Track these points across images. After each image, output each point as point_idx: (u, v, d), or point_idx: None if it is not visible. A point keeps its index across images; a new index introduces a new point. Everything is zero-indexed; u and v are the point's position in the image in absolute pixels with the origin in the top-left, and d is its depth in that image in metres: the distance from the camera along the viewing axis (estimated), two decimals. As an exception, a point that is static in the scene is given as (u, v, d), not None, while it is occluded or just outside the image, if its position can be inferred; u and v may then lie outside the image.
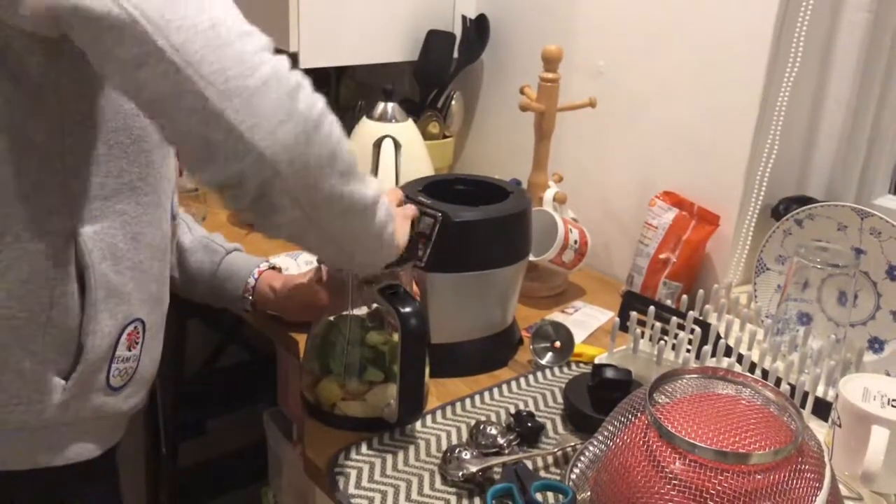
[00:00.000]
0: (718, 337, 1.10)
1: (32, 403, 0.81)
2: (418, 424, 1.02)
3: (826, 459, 0.77)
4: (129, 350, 0.88)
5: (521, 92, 1.36)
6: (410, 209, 0.99)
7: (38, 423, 0.82)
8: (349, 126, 1.58)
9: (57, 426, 0.84)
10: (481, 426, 0.98)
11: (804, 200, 1.26)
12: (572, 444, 0.97)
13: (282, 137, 0.69)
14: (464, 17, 1.66)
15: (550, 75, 1.34)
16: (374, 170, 1.42)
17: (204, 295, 1.19)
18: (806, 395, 1.01)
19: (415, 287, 1.05)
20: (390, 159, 1.44)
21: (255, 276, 1.17)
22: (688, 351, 1.09)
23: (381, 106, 1.52)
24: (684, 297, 1.20)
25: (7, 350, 0.79)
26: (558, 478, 0.92)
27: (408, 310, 0.92)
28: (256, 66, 0.68)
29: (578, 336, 1.23)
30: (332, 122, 0.74)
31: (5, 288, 0.77)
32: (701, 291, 1.21)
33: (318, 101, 0.73)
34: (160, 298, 0.94)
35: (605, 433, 0.86)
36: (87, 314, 0.82)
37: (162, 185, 0.90)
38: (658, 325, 1.12)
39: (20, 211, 0.77)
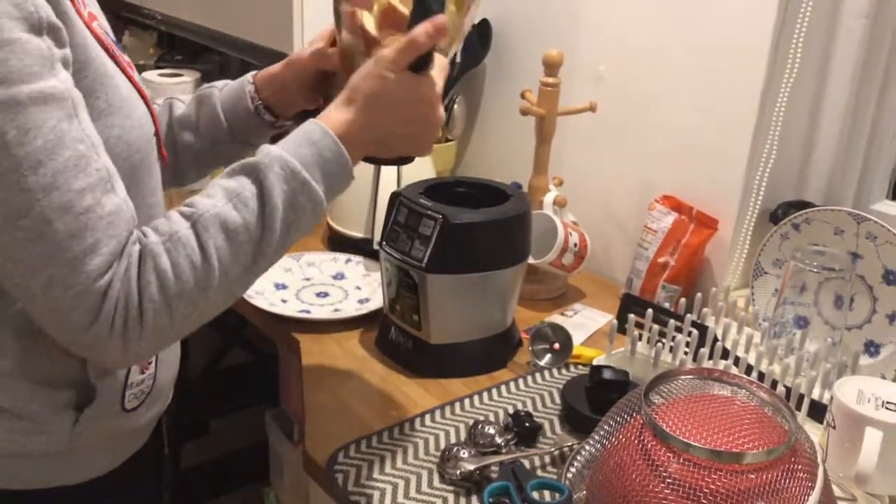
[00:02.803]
0: (715, 339, 1.11)
1: (46, 434, 0.78)
2: (417, 423, 1.03)
3: (819, 460, 0.78)
4: (142, 373, 0.84)
5: (522, 96, 1.37)
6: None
7: (53, 450, 0.80)
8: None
9: (73, 450, 0.81)
10: (479, 426, 0.99)
11: (802, 205, 1.26)
12: (569, 443, 0.98)
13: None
14: (466, 22, 1.67)
15: (551, 80, 1.35)
16: (377, 173, 1.43)
17: (221, 144, 1.03)
18: (802, 397, 1.01)
19: None
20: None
21: (250, 82, 1.01)
22: (685, 353, 1.11)
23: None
24: (683, 300, 1.21)
25: (17, 397, 0.77)
26: (555, 477, 0.93)
27: None
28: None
29: (577, 338, 1.24)
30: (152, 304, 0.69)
31: (3, 345, 0.75)
32: (699, 295, 1.22)
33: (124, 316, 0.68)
34: None
35: (602, 433, 0.87)
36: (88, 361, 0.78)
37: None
38: (656, 327, 1.13)
39: None
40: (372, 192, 1.43)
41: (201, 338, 1.95)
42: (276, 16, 1.50)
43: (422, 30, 0.76)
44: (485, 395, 1.10)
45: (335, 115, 0.78)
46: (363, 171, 1.36)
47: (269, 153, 0.74)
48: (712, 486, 0.73)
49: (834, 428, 0.92)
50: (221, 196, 0.72)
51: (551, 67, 1.35)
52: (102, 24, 0.80)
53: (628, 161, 1.47)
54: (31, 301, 0.68)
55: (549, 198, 1.40)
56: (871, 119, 1.30)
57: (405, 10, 0.81)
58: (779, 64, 1.24)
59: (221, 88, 1.03)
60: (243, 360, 2.07)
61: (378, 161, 0.86)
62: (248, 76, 1.01)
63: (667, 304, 1.27)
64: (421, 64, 0.78)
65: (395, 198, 1.16)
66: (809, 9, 1.21)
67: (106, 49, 0.76)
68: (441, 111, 0.82)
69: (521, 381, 1.14)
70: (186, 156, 1.04)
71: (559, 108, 1.37)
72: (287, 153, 0.74)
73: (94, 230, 0.66)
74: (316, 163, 0.75)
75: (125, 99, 0.77)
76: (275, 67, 1.00)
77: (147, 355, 0.76)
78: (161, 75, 1.87)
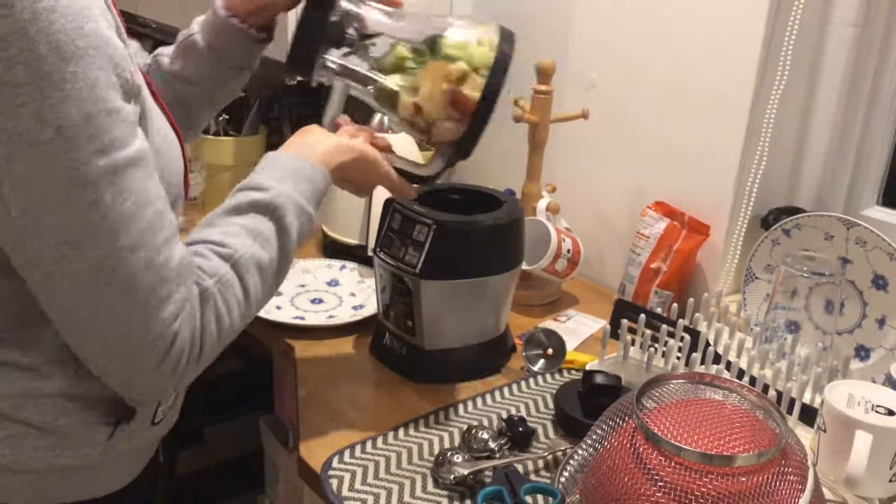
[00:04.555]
0: (707, 344, 1.12)
1: (72, 449, 0.78)
2: (411, 428, 1.03)
3: (810, 463, 0.78)
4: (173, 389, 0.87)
5: (515, 104, 1.38)
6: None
7: (79, 464, 0.80)
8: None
9: (100, 463, 0.81)
10: (473, 430, 0.99)
11: (793, 211, 1.28)
12: (562, 448, 0.98)
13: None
14: (460, 30, 1.68)
15: (544, 87, 1.36)
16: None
17: (219, 77, 1.05)
18: (793, 401, 1.02)
19: None
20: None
21: (224, 7, 1.01)
22: (677, 358, 1.11)
23: (377, 116, 1.54)
24: (675, 305, 1.21)
25: (45, 413, 0.76)
26: (548, 481, 0.94)
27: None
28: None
29: (570, 343, 1.24)
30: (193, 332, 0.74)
31: (30, 370, 0.75)
32: (691, 300, 1.23)
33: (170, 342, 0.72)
34: None
35: (594, 437, 0.88)
36: None
37: None
38: (648, 332, 1.14)
39: (26, 305, 0.73)
40: (366, 199, 1.44)
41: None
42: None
43: (400, 189, 0.98)
44: (478, 400, 1.11)
45: (313, 149, 0.89)
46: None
47: (281, 194, 0.82)
48: (704, 490, 0.74)
49: (824, 431, 0.93)
50: (246, 236, 0.79)
51: (544, 75, 1.36)
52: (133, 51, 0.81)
53: (621, 168, 1.48)
54: (101, 349, 0.71)
55: (542, 204, 1.40)
56: (860, 125, 1.31)
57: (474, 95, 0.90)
58: (769, 71, 1.25)
59: (198, 32, 1.02)
60: (237, 367, 2.06)
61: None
62: (218, 8, 1.00)
63: (659, 310, 1.27)
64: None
65: (389, 204, 1.17)
66: (799, 17, 1.22)
67: (149, 87, 0.78)
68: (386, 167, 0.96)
69: (514, 386, 1.15)
70: (190, 103, 1.05)
71: (552, 115, 1.38)
72: (295, 193, 0.83)
73: (168, 281, 0.70)
74: (313, 195, 0.86)
75: (165, 139, 0.80)
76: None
77: (182, 385, 0.80)
78: (156, 83, 1.88)
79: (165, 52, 1.05)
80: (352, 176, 0.93)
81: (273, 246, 0.81)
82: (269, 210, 0.81)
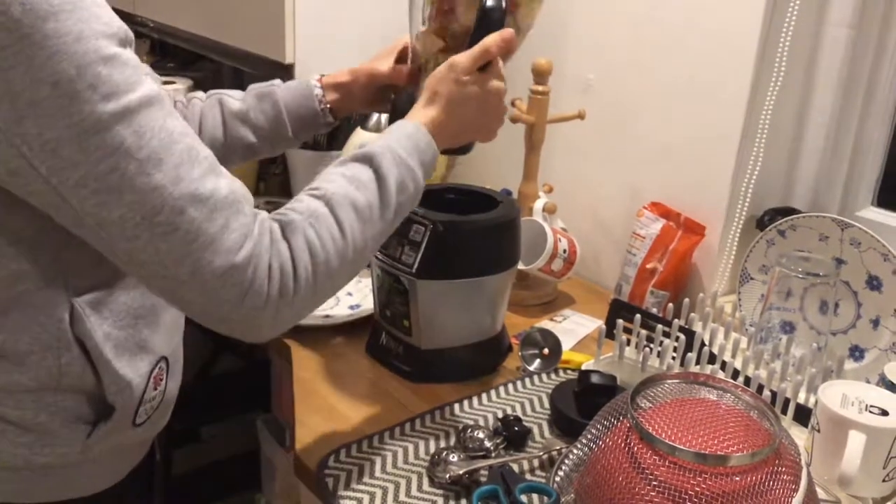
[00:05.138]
0: (703, 344, 1.12)
1: (52, 447, 0.78)
2: (407, 428, 1.04)
3: (803, 463, 0.79)
4: (156, 388, 0.85)
5: (512, 104, 1.39)
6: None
7: (59, 463, 0.79)
8: (344, 136, 1.60)
9: (80, 462, 0.81)
10: (469, 430, 1.00)
11: (788, 212, 1.28)
12: (558, 447, 0.99)
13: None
14: (457, 31, 1.68)
15: (541, 88, 1.36)
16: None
17: (280, 140, 1.11)
18: (787, 401, 1.03)
19: None
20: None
21: (318, 86, 1.09)
22: (672, 358, 1.12)
23: (374, 117, 1.54)
24: (670, 305, 1.22)
25: (25, 409, 0.76)
26: (543, 480, 0.94)
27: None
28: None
29: (566, 343, 1.25)
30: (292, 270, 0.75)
31: (12, 360, 0.75)
32: (687, 300, 1.23)
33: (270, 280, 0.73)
34: (177, 324, 0.90)
35: (589, 436, 0.88)
36: (107, 377, 0.78)
37: None
38: (644, 332, 1.15)
39: (17, 286, 0.73)
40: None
41: (192, 344, 1.95)
42: (269, 24, 1.51)
43: (495, 39, 0.90)
44: (474, 399, 1.11)
45: (422, 113, 0.90)
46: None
47: (378, 144, 0.84)
48: (698, 489, 0.74)
49: (818, 431, 0.93)
50: (341, 179, 0.81)
51: (541, 76, 1.36)
52: None
53: (617, 168, 1.49)
54: (180, 289, 0.70)
55: (538, 204, 1.41)
56: (855, 127, 1.32)
57: None
58: (764, 72, 1.26)
59: (280, 87, 1.09)
60: (234, 366, 2.07)
61: (447, 151, 0.95)
62: (313, 81, 1.09)
63: (655, 310, 1.28)
64: (495, 22, 0.91)
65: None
66: (794, 18, 1.23)
67: None
68: (506, 104, 0.96)
69: (510, 385, 1.15)
70: (236, 146, 1.09)
71: (548, 115, 1.38)
72: (395, 144, 0.84)
73: (221, 210, 0.69)
74: (415, 152, 0.85)
75: None
76: (341, 76, 1.10)
77: (289, 325, 0.78)
78: (153, 83, 1.87)
79: (233, 95, 1.10)
80: (465, 130, 0.93)
81: (370, 190, 0.81)
82: (366, 159, 0.83)
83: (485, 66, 0.91)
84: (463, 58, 0.90)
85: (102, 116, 0.63)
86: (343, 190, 0.79)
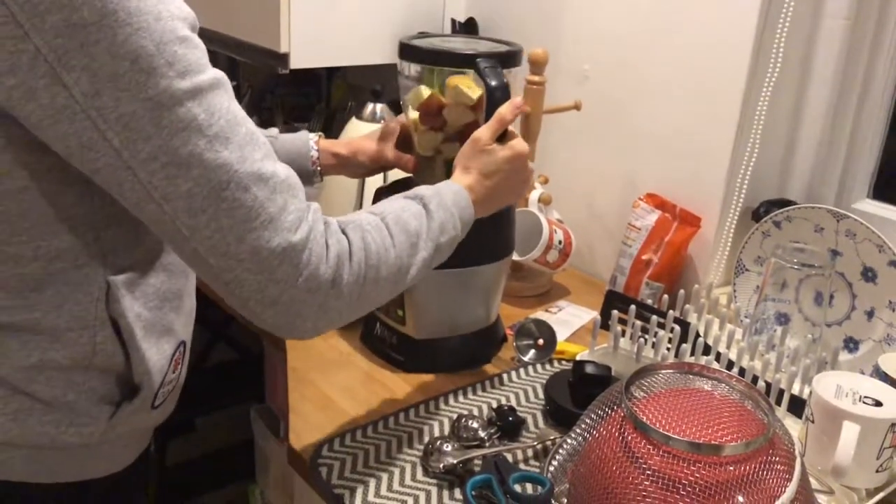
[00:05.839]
0: (697, 335, 1.12)
1: (77, 427, 0.79)
2: (401, 417, 1.03)
3: (797, 453, 0.79)
4: (174, 372, 0.87)
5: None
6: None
7: (83, 442, 0.80)
8: (339, 126, 1.59)
9: (101, 443, 0.82)
10: (463, 420, 0.99)
11: (784, 203, 1.28)
12: (552, 437, 0.99)
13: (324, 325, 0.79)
14: (453, 21, 1.68)
15: (537, 78, 1.36)
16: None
17: None
18: (782, 392, 1.03)
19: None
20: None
21: (315, 148, 1.16)
22: (667, 349, 1.12)
23: (370, 107, 1.54)
24: (665, 296, 1.22)
25: (55, 387, 0.77)
26: (538, 470, 0.94)
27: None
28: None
29: (561, 334, 1.25)
30: (348, 270, 0.78)
31: (48, 337, 0.75)
32: (682, 291, 1.23)
33: (324, 262, 0.76)
34: (193, 308, 0.92)
35: (584, 426, 0.88)
36: (136, 356, 0.79)
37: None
38: (639, 323, 1.14)
39: (56, 263, 0.74)
40: (358, 188, 1.43)
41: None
42: (264, 13, 1.51)
43: (508, 108, 0.99)
44: (469, 390, 1.11)
45: (460, 179, 0.98)
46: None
47: (428, 188, 0.92)
48: (692, 478, 0.74)
49: (812, 422, 0.93)
50: (397, 206, 0.87)
51: (537, 66, 1.35)
52: None
53: (613, 159, 1.49)
54: (237, 268, 0.72)
55: (534, 195, 1.41)
56: (851, 118, 1.31)
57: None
58: (761, 64, 1.26)
59: (278, 139, 1.14)
60: (229, 357, 2.06)
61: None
62: (311, 142, 1.15)
63: (650, 301, 1.28)
64: (498, 100, 1.01)
65: (380, 194, 1.17)
66: (791, 9, 1.22)
67: None
68: (530, 164, 1.03)
69: (504, 376, 1.15)
70: None
71: (544, 106, 1.38)
72: (441, 193, 0.92)
73: (281, 192, 0.72)
74: (456, 207, 0.92)
75: None
76: (338, 146, 1.16)
77: (328, 326, 0.80)
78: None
79: None
80: (498, 194, 1.00)
81: (419, 221, 0.86)
82: (416, 196, 0.90)
83: (504, 135, 1.00)
84: (483, 131, 0.99)
85: (177, 92, 0.66)
86: (397, 213, 0.86)
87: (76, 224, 0.73)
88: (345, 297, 0.77)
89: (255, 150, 0.71)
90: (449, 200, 0.91)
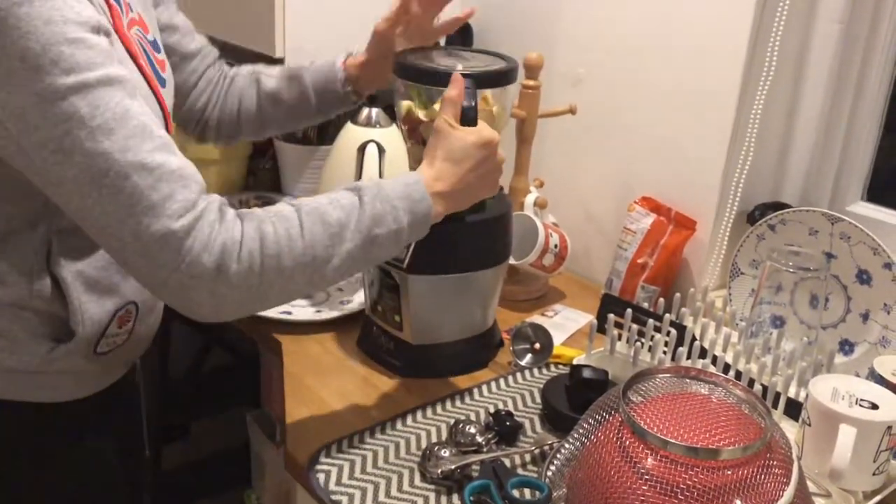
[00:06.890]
0: (693, 339, 1.13)
1: (18, 355, 0.88)
2: (399, 423, 1.03)
3: (794, 456, 0.79)
4: (120, 328, 0.93)
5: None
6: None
7: (23, 369, 0.89)
8: (334, 130, 1.59)
9: (41, 373, 0.90)
10: (460, 425, 0.99)
11: (779, 206, 1.28)
12: (549, 442, 0.99)
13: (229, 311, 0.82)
14: (448, 25, 1.68)
15: (532, 82, 1.36)
16: (358, 174, 1.44)
17: (307, 117, 1.26)
18: (778, 395, 1.03)
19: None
20: (374, 164, 1.46)
21: (341, 70, 1.20)
22: (664, 353, 1.12)
23: (365, 111, 1.53)
24: (661, 300, 1.22)
25: (3, 320, 0.87)
26: (535, 475, 0.94)
27: None
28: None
29: (557, 338, 1.25)
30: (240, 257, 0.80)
31: (2, 275, 0.85)
32: (677, 295, 1.23)
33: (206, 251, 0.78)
34: None
35: (581, 431, 0.88)
36: (72, 307, 0.88)
37: None
38: (635, 327, 1.15)
39: (13, 222, 0.85)
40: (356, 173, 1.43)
41: (183, 340, 1.94)
42: (259, 18, 1.51)
43: (451, 87, 0.96)
44: (466, 395, 1.11)
45: (422, 171, 0.94)
46: (346, 172, 1.37)
47: (371, 182, 0.90)
48: (689, 483, 0.74)
49: (809, 425, 0.93)
50: (323, 199, 0.87)
51: (531, 70, 1.36)
52: (146, 24, 0.95)
53: (608, 163, 1.49)
54: (124, 250, 0.78)
55: (529, 199, 1.41)
56: (846, 121, 1.32)
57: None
58: (755, 67, 1.26)
59: (308, 70, 1.22)
60: (225, 362, 2.06)
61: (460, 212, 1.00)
62: (338, 63, 1.21)
63: (646, 305, 1.28)
64: (469, 120, 0.96)
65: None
66: (785, 13, 1.23)
67: (134, 59, 0.88)
68: (501, 153, 0.98)
69: (501, 380, 1.15)
70: (270, 119, 1.25)
71: (539, 110, 1.38)
72: (386, 187, 0.89)
73: (167, 181, 0.76)
74: (405, 199, 0.89)
75: (147, 99, 0.88)
76: (360, 56, 1.20)
77: (230, 312, 0.83)
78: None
79: (271, 73, 1.24)
80: (469, 185, 0.96)
81: (346, 212, 0.86)
82: (354, 188, 0.89)
83: (469, 120, 0.96)
84: (438, 118, 0.96)
85: (61, 88, 0.72)
86: (317, 204, 0.86)
87: (24, 192, 0.81)
88: (236, 285, 0.79)
89: (145, 142, 0.76)
90: (393, 192, 0.89)
